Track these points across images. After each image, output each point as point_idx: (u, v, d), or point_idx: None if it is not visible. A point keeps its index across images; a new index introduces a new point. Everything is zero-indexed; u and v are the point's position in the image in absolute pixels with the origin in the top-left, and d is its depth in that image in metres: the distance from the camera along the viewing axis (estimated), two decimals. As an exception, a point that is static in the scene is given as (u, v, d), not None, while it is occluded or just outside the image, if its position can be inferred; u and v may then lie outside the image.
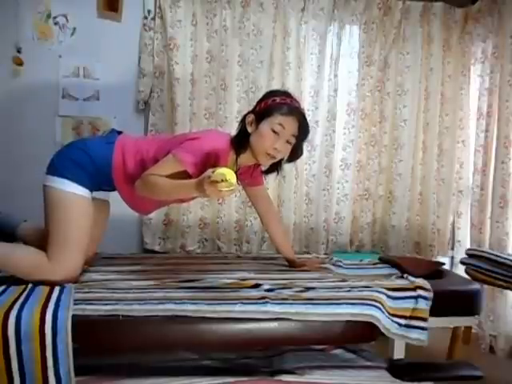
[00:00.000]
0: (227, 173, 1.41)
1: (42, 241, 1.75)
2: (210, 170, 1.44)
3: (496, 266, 2.28)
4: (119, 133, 1.89)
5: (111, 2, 2.63)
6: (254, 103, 2.66)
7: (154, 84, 2.68)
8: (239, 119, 2.68)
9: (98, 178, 1.77)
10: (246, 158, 1.79)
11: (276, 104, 1.72)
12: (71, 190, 1.70)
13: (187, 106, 2.67)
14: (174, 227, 2.74)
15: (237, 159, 1.77)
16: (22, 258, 1.67)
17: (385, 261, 2.12)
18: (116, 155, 1.76)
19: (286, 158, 1.82)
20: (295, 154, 1.81)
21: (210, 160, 1.69)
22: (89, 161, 1.74)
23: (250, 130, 1.74)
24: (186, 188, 1.57)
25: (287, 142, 1.73)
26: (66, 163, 1.74)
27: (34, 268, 1.64)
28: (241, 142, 1.76)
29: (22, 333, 1.34)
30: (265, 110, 1.73)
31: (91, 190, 1.77)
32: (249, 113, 1.79)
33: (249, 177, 1.92)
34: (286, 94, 1.78)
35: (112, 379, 1.54)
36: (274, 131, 1.70)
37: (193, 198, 1.89)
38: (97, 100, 2.67)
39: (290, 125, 1.71)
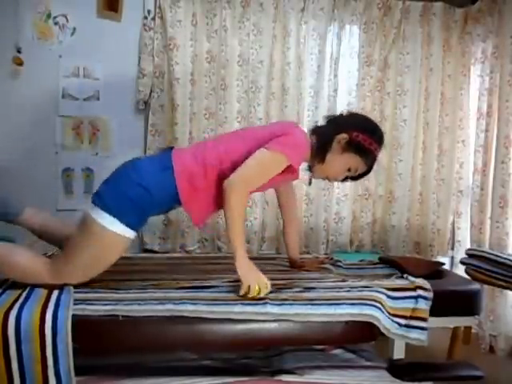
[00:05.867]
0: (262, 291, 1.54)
1: (44, 227, 1.76)
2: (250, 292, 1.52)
3: (496, 266, 2.28)
4: (171, 148, 1.77)
5: (111, 2, 2.63)
6: (255, 103, 2.71)
7: (154, 84, 2.68)
8: (239, 119, 2.72)
9: (157, 210, 1.71)
10: (309, 161, 1.78)
11: (370, 151, 1.71)
12: (118, 231, 1.56)
13: (187, 106, 2.68)
14: (173, 227, 2.74)
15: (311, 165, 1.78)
16: (19, 260, 1.60)
17: (385, 261, 2.12)
18: (181, 184, 1.62)
19: None
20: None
21: (304, 156, 1.71)
22: (149, 199, 1.59)
23: (334, 146, 1.71)
24: (238, 243, 1.57)
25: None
26: (122, 203, 1.57)
27: (29, 274, 1.59)
28: (320, 151, 1.73)
29: (22, 333, 1.33)
30: (360, 146, 1.70)
31: (139, 228, 1.66)
32: (343, 130, 1.71)
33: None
34: (382, 142, 1.76)
35: (112, 379, 1.54)
36: (349, 169, 1.74)
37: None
38: (97, 100, 2.67)
39: (362, 169, 1.75)
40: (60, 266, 1.59)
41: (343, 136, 1.70)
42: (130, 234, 1.59)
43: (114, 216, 1.55)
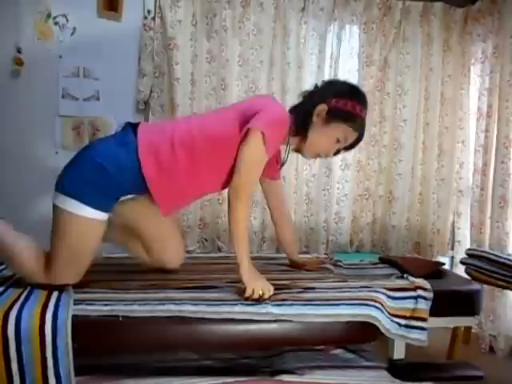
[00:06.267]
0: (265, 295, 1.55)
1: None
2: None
3: (496, 266, 2.28)
4: (132, 125, 1.63)
5: (111, 1, 2.63)
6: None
7: (154, 84, 2.68)
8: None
9: (122, 190, 1.59)
10: (292, 142, 1.69)
11: (355, 114, 1.62)
12: (86, 214, 1.50)
13: (187, 106, 2.67)
14: (174, 227, 2.73)
15: (288, 141, 1.68)
16: (25, 259, 1.56)
17: (385, 261, 2.12)
18: (145, 158, 1.53)
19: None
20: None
21: (283, 133, 1.61)
22: (107, 178, 1.51)
23: (315, 119, 1.63)
24: (243, 254, 1.56)
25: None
26: (82, 186, 1.50)
27: (31, 274, 1.57)
28: (300, 129, 1.64)
29: (22, 333, 1.33)
30: (342, 113, 1.61)
31: (109, 210, 1.57)
32: (321, 101, 1.62)
33: (272, 165, 1.77)
34: (365, 102, 1.66)
35: (112, 379, 1.54)
36: (338, 140, 1.65)
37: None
38: (97, 100, 2.67)
39: (352, 137, 1.66)
40: (48, 263, 1.55)
41: (322, 107, 1.61)
42: (102, 215, 1.53)
43: (79, 200, 1.48)
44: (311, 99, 1.67)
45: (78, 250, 1.55)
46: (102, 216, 1.54)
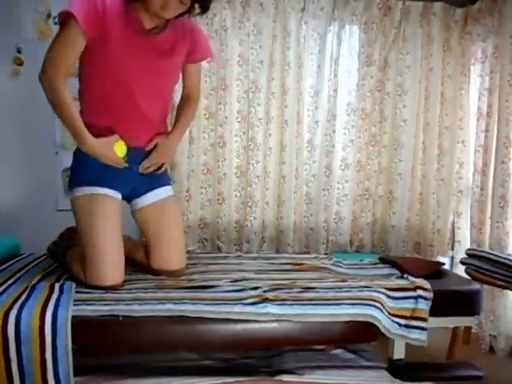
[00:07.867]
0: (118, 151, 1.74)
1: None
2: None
3: (496, 266, 2.28)
4: None
5: (111, 2, 2.63)
6: (255, 103, 2.71)
7: (154, 84, 2.67)
8: (239, 119, 2.72)
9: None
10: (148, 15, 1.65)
11: None
12: (79, 194, 1.71)
13: (187, 106, 2.67)
14: (174, 227, 2.73)
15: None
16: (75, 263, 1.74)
17: (385, 261, 2.12)
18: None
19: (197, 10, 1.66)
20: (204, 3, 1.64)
21: (109, 15, 1.58)
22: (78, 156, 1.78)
23: None
24: (77, 131, 1.71)
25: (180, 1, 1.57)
26: (71, 174, 1.80)
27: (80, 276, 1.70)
28: None
29: (22, 333, 1.34)
30: None
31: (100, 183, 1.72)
32: None
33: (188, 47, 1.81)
34: None
35: (112, 379, 1.54)
36: None
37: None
38: (97, 100, 2.66)
39: None
40: (84, 260, 1.67)
41: None
42: (90, 190, 1.70)
43: (71, 187, 1.74)
44: None
45: (93, 224, 1.65)
46: (92, 190, 1.70)
